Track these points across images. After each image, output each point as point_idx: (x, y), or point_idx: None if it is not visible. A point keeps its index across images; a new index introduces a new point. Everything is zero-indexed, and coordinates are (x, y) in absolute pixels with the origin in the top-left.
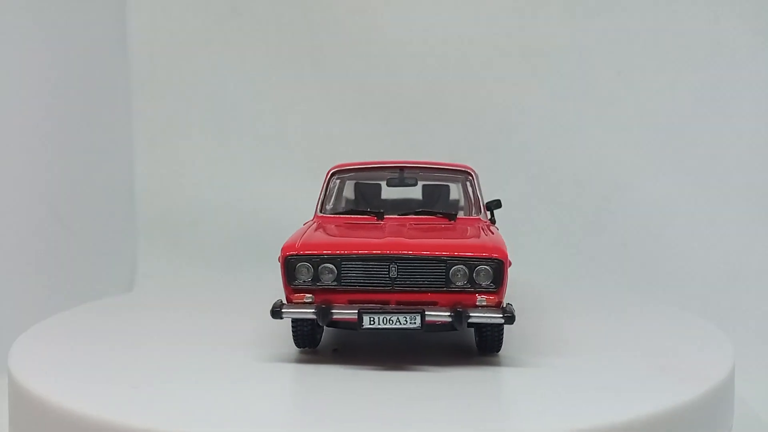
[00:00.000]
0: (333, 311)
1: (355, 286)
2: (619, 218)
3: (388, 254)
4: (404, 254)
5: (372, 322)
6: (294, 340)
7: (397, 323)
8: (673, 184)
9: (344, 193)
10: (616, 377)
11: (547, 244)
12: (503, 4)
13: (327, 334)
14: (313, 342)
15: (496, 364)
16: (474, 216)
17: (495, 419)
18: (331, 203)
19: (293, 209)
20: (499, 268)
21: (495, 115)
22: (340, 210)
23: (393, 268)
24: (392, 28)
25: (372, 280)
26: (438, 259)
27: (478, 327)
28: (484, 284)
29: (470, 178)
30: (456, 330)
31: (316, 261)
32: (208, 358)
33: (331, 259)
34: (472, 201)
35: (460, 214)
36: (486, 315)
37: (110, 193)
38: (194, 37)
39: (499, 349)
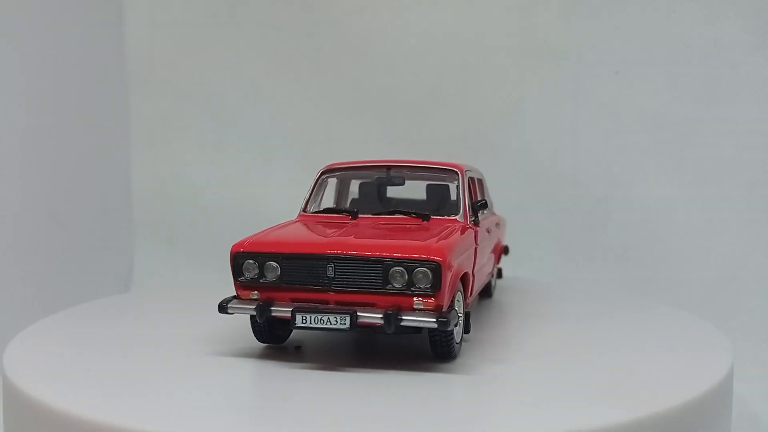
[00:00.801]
0: (272, 308)
1: (296, 284)
2: (617, 219)
3: (325, 254)
4: (340, 254)
5: (304, 321)
6: (254, 335)
7: (328, 323)
8: (671, 184)
9: (350, 192)
10: (615, 378)
11: (546, 245)
12: (502, 4)
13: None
14: (275, 338)
15: (479, 366)
16: (451, 217)
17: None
18: (316, 202)
19: (291, 209)
20: (437, 270)
21: (494, 115)
22: (321, 209)
23: (330, 268)
24: (391, 28)
25: (312, 279)
26: (374, 260)
27: (430, 331)
28: (422, 287)
29: (455, 177)
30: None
31: (260, 258)
32: (205, 359)
33: (273, 256)
34: (451, 201)
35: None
36: (418, 319)
37: (107, 194)
38: (192, 37)
39: (453, 356)
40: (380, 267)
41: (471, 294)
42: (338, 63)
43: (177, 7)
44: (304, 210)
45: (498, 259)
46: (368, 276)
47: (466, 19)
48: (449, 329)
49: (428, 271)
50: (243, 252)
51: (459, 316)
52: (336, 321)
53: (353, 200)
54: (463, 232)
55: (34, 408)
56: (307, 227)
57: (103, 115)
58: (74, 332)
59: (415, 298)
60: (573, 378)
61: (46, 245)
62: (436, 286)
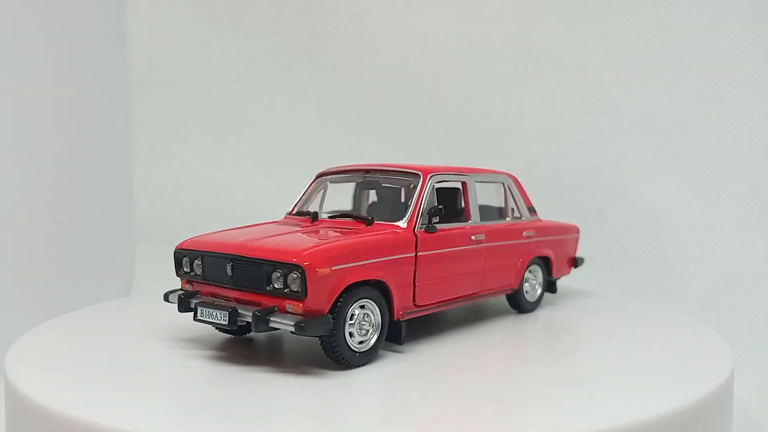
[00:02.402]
0: (190, 301)
1: (210, 280)
2: (617, 222)
3: (224, 254)
4: (232, 255)
5: (201, 315)
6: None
7: (215, 318)
8: (671, 187)
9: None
10: (614, 382)
11: None
12: (502, 9)
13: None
14: (233, 330)
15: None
16: (393, 222)
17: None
18: (304, 204)
19: None
20: (303, 275)
21: (493, 120)
22: (295, 212)
23: (228, 267)
24: (391, 33)
25: (219, 277)
26: (256, 262)
27: (319, 336)
28: (293, 290)
29: (416, 181)
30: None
31: (190, 255)
32: (206, 363)
33: (197, 254)
34: (400, 206)
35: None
36: (282, 321)
37: (108, 197)
38: (193, 41)
39: (344, 363)
40: (262, 269)
41: (416, 304)
42: (338, 67)
43: (178, 12)
44: (290, 212)
45: (553, 271)
46: (255, 276)
47: (466, 24)
48: (310, 335)
49: (298, 275)
50: (179, 249)
51: (333, 322)
52: (220, 317)
53: (355, 203)
54: (387, 238)
55: (37, 411)
56: (261, 228)
57: (105, 120)
58: (76, 336)
59: (287, 301)
60: (570, 382)
61: (48, 249)
62: (304, 290)
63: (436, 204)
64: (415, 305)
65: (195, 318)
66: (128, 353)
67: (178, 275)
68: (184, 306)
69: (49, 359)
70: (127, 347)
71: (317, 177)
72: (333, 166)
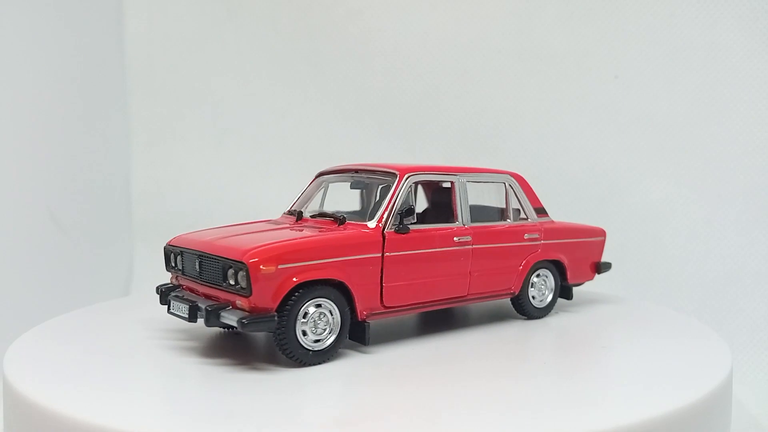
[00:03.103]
0: (169, 294)
1: (188, 276)
2: (616, 221)
3: (193, 250)
4: (200, 251)
5: (172, 308)
6: None
7: (180, 311)
8: (670, 186)
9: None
10: (613, 381)
11: None
12: (500, 8)
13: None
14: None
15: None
16: (363, 222)
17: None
18: (297, 203)
19: None
20: (247, 273)
21: (492, 119)
22: (288, 211)
23: (197, 263)
24: (390, 32)
25: (193, 272)
26: (215, 258)
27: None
28: (242, 287)
29: (392, 180)
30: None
31: (175, 251)
32: (203, 361)
33: (178, 251)
34: (374, 205)
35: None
36: (228, 316)
37: (107, 196)
38: (191, 40)
39: (293, 359)
40: (219, 266)
41: (385, 305)
42: (337, 66)
43: (177, 11)
44: (287, 210)
45: (568, 276)
46: (216, 273)
47: (464, 22)
48: (252, 332)
49: (244, 272)
50: (168, 245)
51: (276, 319)
52: (183, 310)
53: (361, 201)
54: (346, 238)
55: (35, 410)
56: (242, 227)
57: (103, 119)
58: (74, 336)
59: (238, 297)
60: (569, 381)
61: (47, 249)
62: (249, 287)
63: (411, 204)
64: (383, 306)
65: (168, 311)
66: (126, 353)
67: (167, 270)
68: (163, 299)
69: (47, 359)
70: (125, 347)
71: (317, 176)
72: (334, 165)
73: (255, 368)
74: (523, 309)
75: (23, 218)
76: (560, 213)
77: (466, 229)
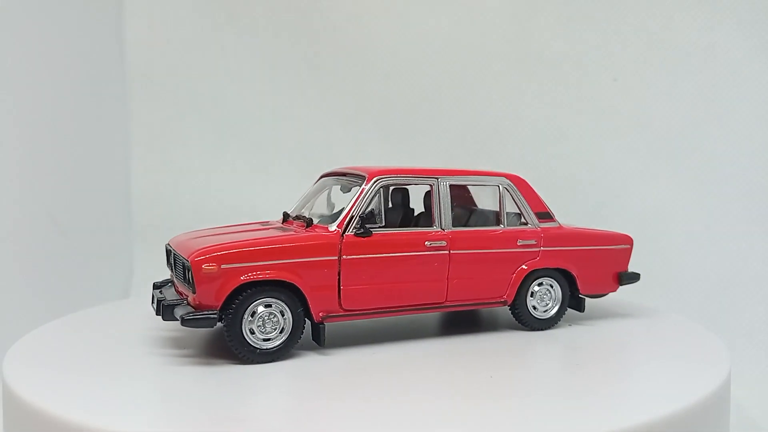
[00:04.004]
0: (159, 290)
1: (174, 273)
2: (615, 224)
3: (170, 249)
4: (174, 250)
5: (152, 302)
6: None
7: (152, 305)
8: (669, 189)
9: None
10: (612, 383)
11: None
12: (500, 10)
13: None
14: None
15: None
16: (325, 225)
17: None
18: (297, 204)
19: None
20: (191, 271)
21: (491, 121)
22: (289, 212)
23: (173, 261)
24: (389, 35)
25: (176, 271)
26: (179, 257)
27: None
28: (191, 284)
29: (359, 184)
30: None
31: (168, 249)
32: (202, 363)
33: (168, 250)
34: (339, 210)
35: None
36: (178, 312)
37: (107, 199)
38: (191, 43)
39: (239, 356)
40: (181, 263)
41: (344, 308)
42: (337, 68)
43: (176, 14)
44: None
45: (580, 286)
46: (181, 270)
47: (464, 25)
48: (192, 327)
49: (191, 271)
50: (167, 244)
51: (216, 317)
52: (153, 304)
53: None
54: (299, 241)
55: (34, 414)
56: (235, 227)
57: (103, 122)
58: (74, 339)
59: (190, 294)
60: (567, 383)
61: (46, 251)
62: (193, 285)
63: (373, 208)
64: (343, 309)
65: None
66: (126, 356)
67: (167, 267)
68: (154, 293)
69: (47, 361)
70: (126, 350)
71: (321, 177)
72: (336, 168)
73: (259, 369)
74: (522, 319)
75: (23, 220)
76: (558, 215)
77: (441, 233)
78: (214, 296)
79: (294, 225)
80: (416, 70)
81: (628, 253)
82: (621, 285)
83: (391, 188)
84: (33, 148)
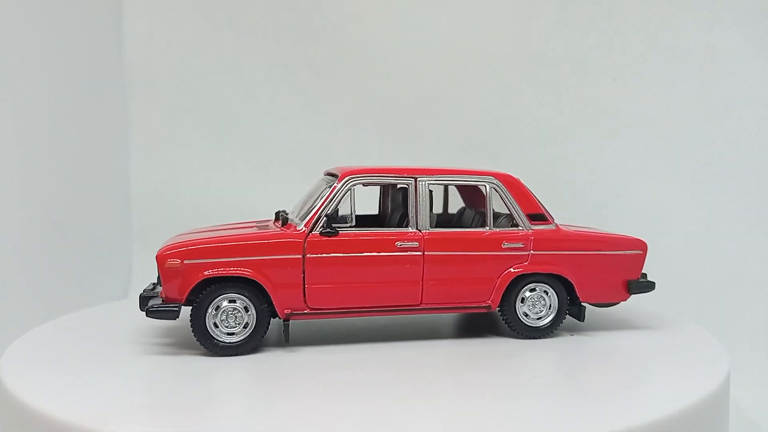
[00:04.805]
0: (155, 286)
1: None
2: (614, 224)
3: None
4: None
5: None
6: None
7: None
8: (668, 190)
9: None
10: (610, 384)
11: None
12: (499, 11)
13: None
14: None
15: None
16: (294, 224)
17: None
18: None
19: None
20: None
21: (491, 122)
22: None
23: None
24: (389, 35)
25: None
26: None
27: None
28: (158, 278)
29: (329, 183)
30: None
31: None
32: (201, 363)
33: None
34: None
35: None
36: (145, 305)
37: (106, 200)
38: (190, 44)
39: (205, 348)
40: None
41: (310, 306)
42: (337, 69)
43: (176, 15)
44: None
45: (579, 294)
46: None
47: (464, 25)
48: (156, 318)
49: (157, 266)
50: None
51: (177, 310)
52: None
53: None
54: (263, 239)
55: (31, 414)
56: (225, 226)
57: (102, 123)
58: (72, 339)
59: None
60: (566, 384)
61: (45, 252)
62: (159, 279)
63: (338, 207)
64: (308, 307)
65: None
66: (125, 357)
67: None
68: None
69: (44, 362)
70: (124, 350)
71: (325, 175)
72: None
73: (259, 370)
74: (512, 327)
75: (22, 221)
76: (558, 216)
77: (415, 234)
78: (178, 290)
79: (271, 223)
80: (416, 70)
81: (639, 259)
82: (631, 294)
83: (393, 188)
84: (32, 148)
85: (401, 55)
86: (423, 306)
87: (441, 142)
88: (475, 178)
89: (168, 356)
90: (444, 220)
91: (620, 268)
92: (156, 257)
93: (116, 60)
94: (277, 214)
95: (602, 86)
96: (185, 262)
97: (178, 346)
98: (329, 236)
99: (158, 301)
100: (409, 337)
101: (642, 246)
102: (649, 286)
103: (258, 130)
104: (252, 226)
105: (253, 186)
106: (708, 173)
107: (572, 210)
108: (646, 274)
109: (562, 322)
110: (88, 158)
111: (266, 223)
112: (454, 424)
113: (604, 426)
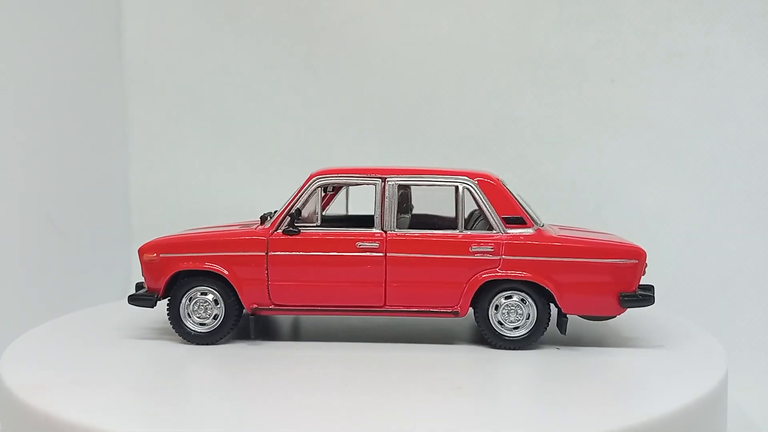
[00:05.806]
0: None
1: None
2: (613, 225)
3: None
4: None
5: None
6: None
7: None
8: (667, 190)
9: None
10: (609, 384)
11: None
12: (498, 11)
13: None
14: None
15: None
16: (269, 223)
17: None
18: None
19: None
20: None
21: (490, 122)
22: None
23: None
24: (388, 35)
25: None
26: None
27: None
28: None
29: (308, 184)
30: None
31: None
32: (200, 363)
33: None
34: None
35: None
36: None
37: (105, 200)
38: (189, 43)
39: (181, 336)
40: None
41: (274, 303)
42: (335, 69)
43: (174, 14)
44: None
45: (561, 304)
46: None
47: (464, 25)
48: (136, 306)
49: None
50: None
51: (155, 300)
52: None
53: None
54: (230, 236)
55: (31, 414)
56: (219, 225)
57: (102, 122)
58: (71, 339)
59: None
60: (565, 384)
61: (44, 252)
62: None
63: (300, 207)
64: (273, 303)
65: None
66: (124, 356)
67: None
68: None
69: (44, 361)
70: (124, 350)
71: None
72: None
73: (259, 371)
74: (485, 336)
75: (21, 221)
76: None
77: (377, 235)
78: (155, 281)
79: (257, 222)
80: (416, 70)
81: (635, 269)
82: (624, 308)
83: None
84: (32, 148)
85: (401, 55)
86: (387, 308)
87: (440, 142)
88: (446, 178)
89: (168, 356)
90: (440, 221)
91: (611, 279)
92: (138, 251)
93: (115, 60)
94: (264, 215)
95: (602, 86)
96: (161, 255)
97: (177, 345)
98: (290, 235)
99: (142, 290)
100: (409, 338)
101: (638, 255)
102: (646, 300)
103: (258, 130)
104: (236, 225)
105: (252, 186)
106: (708, 173)
107: (572, 210)
108: (651, 286)
109: (542, 334)
110: (87, 158)
111: (251, 223)
112: (452, 424)
113: (603, 425)
